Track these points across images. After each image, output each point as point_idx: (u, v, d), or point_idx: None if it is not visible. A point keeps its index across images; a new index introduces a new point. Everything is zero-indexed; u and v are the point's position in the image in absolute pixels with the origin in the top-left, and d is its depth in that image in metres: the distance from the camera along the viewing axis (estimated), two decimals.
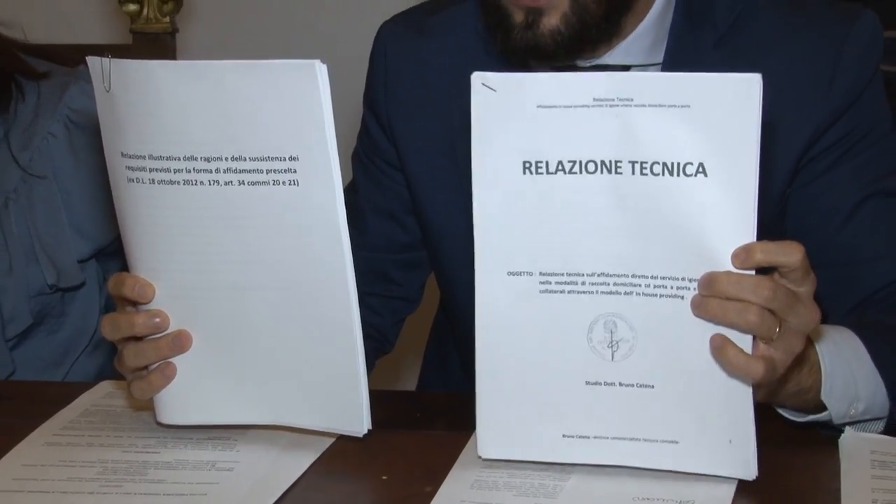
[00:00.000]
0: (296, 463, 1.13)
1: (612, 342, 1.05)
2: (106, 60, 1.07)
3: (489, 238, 1.06)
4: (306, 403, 1.16)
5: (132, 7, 1.76)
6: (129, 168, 1.10)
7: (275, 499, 1.08)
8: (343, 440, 1.16)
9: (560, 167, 1.02)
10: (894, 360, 1.16)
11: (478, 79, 1.03)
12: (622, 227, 1.02)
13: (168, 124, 1.07)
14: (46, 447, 1.18)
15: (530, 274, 1.06)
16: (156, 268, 1.13)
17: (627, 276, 1.03)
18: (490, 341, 1.09)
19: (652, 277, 1.02)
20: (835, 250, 1.28)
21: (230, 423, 1.18)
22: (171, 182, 1.09)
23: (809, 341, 1.08)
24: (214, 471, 1.12)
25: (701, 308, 1.01)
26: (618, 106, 0.99)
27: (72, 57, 1.64)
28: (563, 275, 1.05)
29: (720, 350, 1.01)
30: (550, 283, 1.05)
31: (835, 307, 1.27)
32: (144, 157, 1.09)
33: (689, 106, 0.98)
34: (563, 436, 1.09)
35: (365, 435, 1.15)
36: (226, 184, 1.08)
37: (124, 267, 1.18)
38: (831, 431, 1.15)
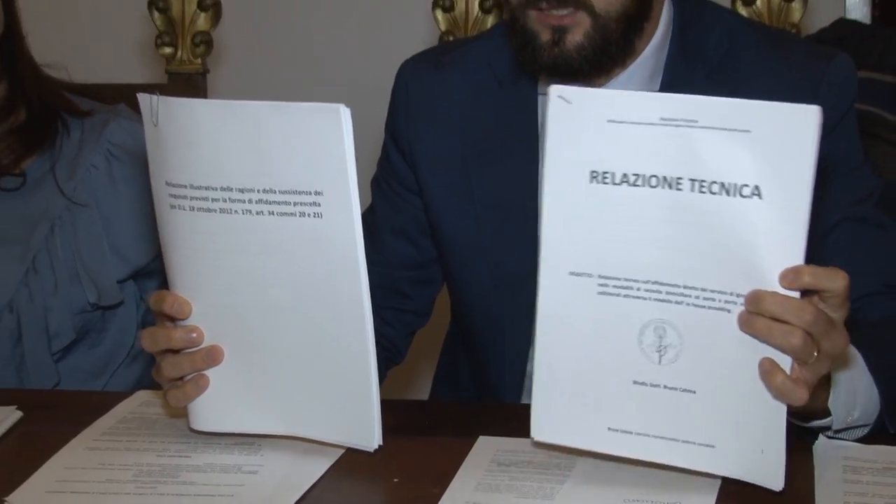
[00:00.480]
0: (315, 466, 1.13)
1: (660, 346, 1.04)
2: (154, 97, 1.08)
3: (555, 239, 1.04)
4: (322, 417, 1.16)
5: (167, 50, 1.78)
6: (171, 196, 1.11)
7: (296, 499, 1.08)
8: None
9: (625, 179, 1.01)
10: (889, 368, 1.15)
11: (555, 91, 1.02)
12: (678, 239, 1.00)
13: (207, 157, 1.08)
14: (87, 451, 1.18)
15: (590, 275, 1.04)
16: (193, 287, 1.14)
17: (679, 286, 1.02)
18: (549, 335, 1.07)
19: (702, 290, 1.01)
20: None
21: (253, 432, 1.18)
22: (208, 210, 1.10)
23: None
24: (241, 474, 1.13)
25: (748, 325, 0.99)
26: (683, 126, 0.98)
27: (112, 95, 1.65)
28: (620, 279, 1.04)
29: (769, 374, 0.99)
30: (608, 285, 1.04)
31: None
32: (186, 186, 1.10)
33: (749, 131, 0.96)
34: (609, 429, 1.08)
35: (375, 449, 1.14)
36: (257, 213, 1.09)
37: (159, 286, 1.18)
38: (811, 437, 1.15)
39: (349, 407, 1.14)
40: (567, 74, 1.29)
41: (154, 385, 1.23)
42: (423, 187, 1.43)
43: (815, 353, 0.99)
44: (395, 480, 1.11)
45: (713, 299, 1.01)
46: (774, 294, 0.98)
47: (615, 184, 1.01)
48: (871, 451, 1.14)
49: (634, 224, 1.01)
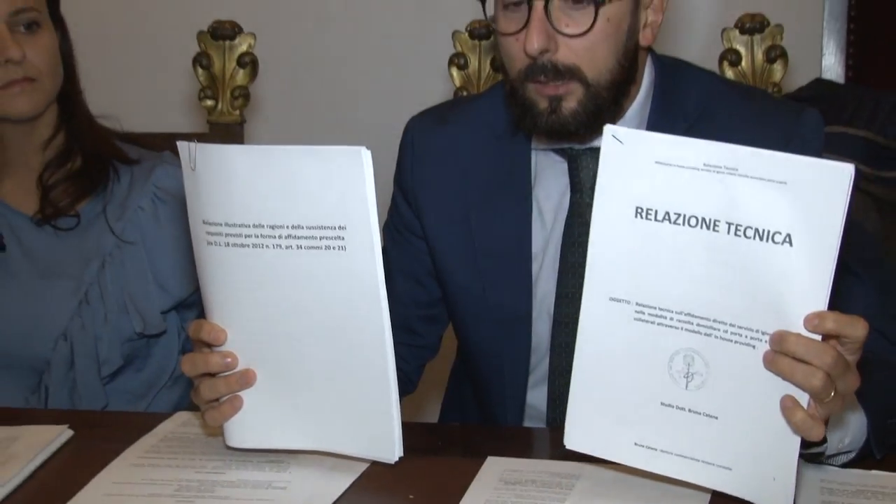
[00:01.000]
0: (337, 483, 1.14)
1: (688, 373, 1.04)
2: (193, 144, 1.10)
3: (598, 266, 1.05)
4: (347, 433, 1.16)
5: (209, 102, 1.81)
6: (208, 233, 1.12)
7: None
8: (377, 464, 1.17)
9: (667, 217, 1.01)
10: (876, 397, 1.14)
11: (608, 131, 1.02)
12: (711, 277, 1.00)
13: (240, 197, 1.10)
14: (132, 468, 1.19)
15: (628, 302, 1.05)
16: (228, 316, 1.15)
17: (709, 319, 1.02)
18: (587, 354, 1.08)
19: (731, 325, 1.01)
20: None
21: (284, 448, 1.19)
22: (242, 245, 1.11)
23: None
24: (271, 489, 1.13)
25: (772, 364, 0.99)
26: (723, 173, 0.98)
27: (159, 143, 1.67)
28: (655, 308, 1.04)
29: (790, 411, 1.00)
30: (644, 313, 1.04)
31: None
32: (221, 224, 1.11)
33: (785, 182, 0.96)
34: (635, 444, 1.08)
35: (395, 462, 1.15)
36: (286, 248, 1.10)
37: (199, 316, 1.19)
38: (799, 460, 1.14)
39: (371, 423, 1.15)
40: (563, 137, 1.30)
41: (193, 406, 1.24)
42: (427, 234, 1.43)
43: (833, 393, 1.00)
44: (411, 497, 1.12)
45: (740, 334, 1.01)
46: (799, 336, 0.98)
47: (658, 220, 1.01)
48: (847, 475, 1.14)
49: (673, 259, 1.02)
